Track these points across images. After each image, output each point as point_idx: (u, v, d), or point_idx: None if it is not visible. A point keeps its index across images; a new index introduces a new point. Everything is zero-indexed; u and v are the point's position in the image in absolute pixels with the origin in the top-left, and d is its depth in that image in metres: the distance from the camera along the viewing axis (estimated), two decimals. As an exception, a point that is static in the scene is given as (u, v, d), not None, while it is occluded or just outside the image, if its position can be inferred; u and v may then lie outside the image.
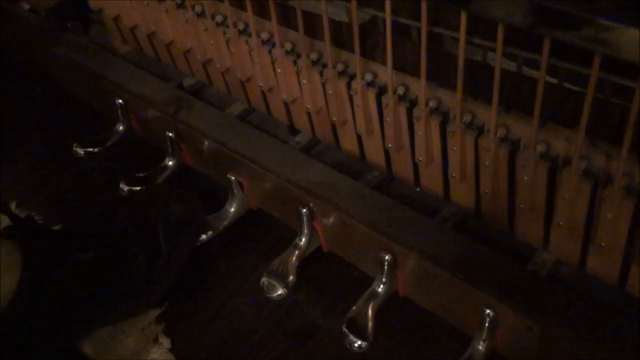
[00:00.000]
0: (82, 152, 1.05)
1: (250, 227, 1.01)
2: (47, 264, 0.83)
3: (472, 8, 0.64)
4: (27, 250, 0.82)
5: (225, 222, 0.98)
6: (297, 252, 0.88)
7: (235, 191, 0.97)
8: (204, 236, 0.95)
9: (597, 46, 0.57)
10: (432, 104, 0.77)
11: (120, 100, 1.05)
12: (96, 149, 1.04)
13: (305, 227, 0.88)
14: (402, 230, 0.81)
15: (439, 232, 0.81)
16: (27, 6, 1.28)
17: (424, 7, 0.70)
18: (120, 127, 1.06)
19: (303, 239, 0.88)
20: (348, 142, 0.93)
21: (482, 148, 0.74)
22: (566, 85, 0.69)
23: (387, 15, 0.73)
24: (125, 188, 1.00)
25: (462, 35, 0.68)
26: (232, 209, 0.98)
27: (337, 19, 0.82)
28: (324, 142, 0.98)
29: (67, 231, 0.98)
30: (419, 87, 0.77)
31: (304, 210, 0.87)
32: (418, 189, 0.89)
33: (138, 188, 1.00)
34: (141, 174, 1.01)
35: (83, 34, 1.30)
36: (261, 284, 0.86)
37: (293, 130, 1.02)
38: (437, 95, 0.77)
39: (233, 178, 0.95)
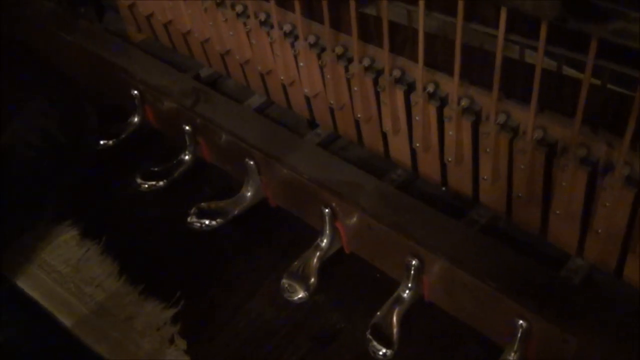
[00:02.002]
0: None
1: (268, 224, 0.98)
2: None
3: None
4: None
5: (241, 208, 0.94)
6: (318, 253, 0.85)
7: (252, 176, 0.93)
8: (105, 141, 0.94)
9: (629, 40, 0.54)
10: (464, 102, 0.74)
11: (135, 92, 1.02)
12: (111, 142, 1.01)
13: (327, 227, 0.85)
14: (429, 233, 0.77)
15: (467, 236, 0.78)
16: (39, -9, 1.24)
17: (460, 2, 0.66)
18: (136, 119, 1.03)
19: (325, 240, 0.85)
20: (372, 139, 0.90)
21: (517, 150, 0.71)
22: (610, 86, 0.65)
23: (420, 10, 0.70)
24: (140, 182, 0.98)
25: (500, 32, 0.65)
26: (249, 194, 0.94)
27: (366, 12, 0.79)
28: (345, 138, 0.95)
29: None
30: (451, 84, 0.74)
31: (327, 210, 0.84)
32: (443, 189, 0.86)
33: (153, 183, 0.97)
34: (157, 169, 0.98)
35: (96, 21, 1.27)
36: (281, 285, 0.83)
37: (312, 124, 0.99)
38: (469, 93, 0.74)
39: (251, 162, 0.92)
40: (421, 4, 0.69)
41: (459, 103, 0.74)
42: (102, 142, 1.01)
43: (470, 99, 0.74)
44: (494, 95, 0.70)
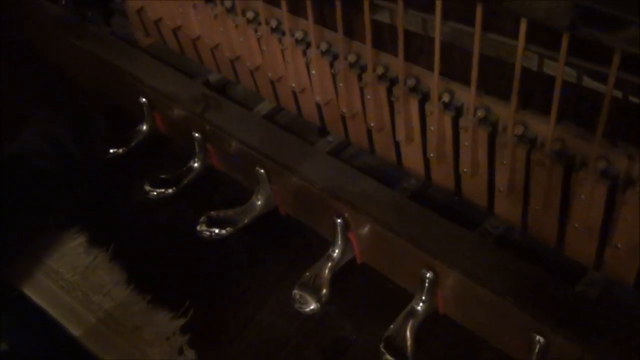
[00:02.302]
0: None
1: (278, 232, 0.97)
2: None
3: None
4: None
5: (251, 216, 0.93)
6: (330, 264, 0.84)
7: (263, 184, 0.92)
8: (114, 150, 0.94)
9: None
10: (480, 113, 0.73)
11: (144, 99, 1.01)
12: (120, 150, 0.99)
13: (340, 238, 0.84)
14: (444, 245, 0.76)
15: (482, 248, 0.76)
16: (45, -5, 1.23)
17: (479, 11, 0.65)
18: (144, 127, 1.01)
19: (337, 251, 0.84)
20: (384, 148, 0.88)
21: (534, 162, 0.70)
22: (631, 98, 0.64)
23: (437, 19, 0.68)
24: (149, 189, 0.96)
25: (520, 42, 0.63)
26: (259, 203, 0.93)
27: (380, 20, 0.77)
28: (356, 146, 0.94)
29: None
30: (467, 94, 0.73)
31: (339, 220, 0.82)
32: (456, 198, 0.85)
33: (162, 190, 0.96)
34: (165, 176, 0.97)
35: (104, 25, 1.26)
36: (293, 296, 0.82)
37: (323, 132, 0.98)
38: (486, 104, 0.73)
39: (262, 171, 0.91)
40: (438, 12, 0.68)
41: (475, 113, 0.73)
42: (112, 151, 1.00)
43: (486, 109, 0.73)
44: (512, 106, 0.68)
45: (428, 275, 0.75)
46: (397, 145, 0.86)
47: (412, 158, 0.85)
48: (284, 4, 0.83)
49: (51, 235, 0.96)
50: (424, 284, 0.76)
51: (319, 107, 0.93)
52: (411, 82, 0.77)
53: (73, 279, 0.96)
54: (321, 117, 0.95)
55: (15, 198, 0.87)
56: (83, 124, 0.95)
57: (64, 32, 1.15)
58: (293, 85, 0.91)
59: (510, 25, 0.66)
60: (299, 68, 0.88)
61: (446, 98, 0.75)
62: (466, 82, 0.72)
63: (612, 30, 0.55)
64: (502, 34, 0.68)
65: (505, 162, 0.72)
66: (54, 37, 1.16)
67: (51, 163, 0.89)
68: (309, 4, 0.80)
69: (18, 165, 0.89)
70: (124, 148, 1.00)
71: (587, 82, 0.64)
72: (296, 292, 0.82)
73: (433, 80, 0.74)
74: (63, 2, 1.20)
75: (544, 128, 0.68)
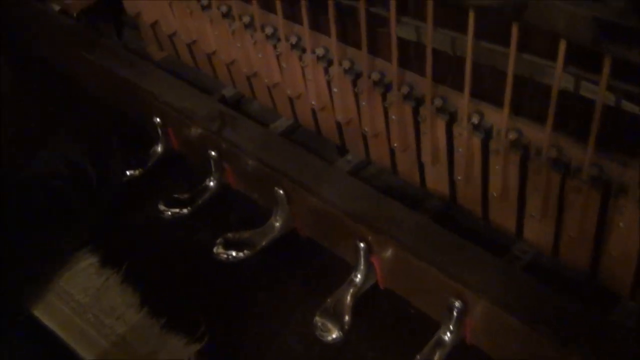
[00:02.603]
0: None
1: (296, 253, 0.94)
2: None
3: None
4: None
5: (269, 238, 0.90)
6: (352, 289, 0.81)
7: (282, 205, 0.89)
8: (131, 172, 0.94)
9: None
10: (511, 135, 0.70)
11: (158, 119, 0.98)
12: (137, 172, 0.97)
13: (362, 262, 0.81)
14: (472, 273, 0.73)
15: (512, 276, 0.73)
16: (57, 7, 1.21)
17: (514, 31, 0.62)
18: (160, 146, 0.99)
19: (359, 276, 0.81)
20: (407, 168, 0.86)
21: (570, 188, 0.67)
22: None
23: (469, 37, 0.66)
24: (163, 209, 0.94)
25: (559, 64, 0.61)
26: (277, 224, 0.90)
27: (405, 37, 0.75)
28: (376, 165, 0.91)
29: None
30: (497, 115, 0.70)
31: (362, 244, 0.79)
32: (482, 223, 0.82)
33: (177, 210, 0.93)
34: (180, 196, 0.95)
35: (116, 37, 1.23)
36: (314, 323, 0.79)
37: (342, 150, 0.95)
38: (517, 126, 0.70)
39: (281, 192, 0.88)
40: (470, 30, 0.65)
41: (506, 135, 0.70)
42: (128, 173, 0.97)
43: (518, 131, 0.70)
44: (547, 129, 0.66)
45: (456, 304, 0.72)
46: (421, 165, 0.83)
47: (437, 180, 0.82)
48: (305, 20, 0.80)
49: (63, 255, 0.94)
50: (452, 313, 0.73)
51: (339, 125, 0.90)
52: (438, 102, 0.75)
53: (84, 301, 0.93)
54: (341, 136, 0.92)
55: (31, 218, 0.85)
56: (101, 145, 0.93)
57: (77, 46, 1.12)
58: (313, 103, 0.88)
59: (546, 44, 0.64)
60: (319, 86, 0.86)
61: (475, 119, 0.72)
62: (497, 103, 0.69)
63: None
64: (535, 53, 0.65)
65: (538, 187, 0.69)
66: (66, 50, 1.14)
67: (68, 184, 0.87)
68: (331, 20, 0.77)
69: (34, 185, 0.87)
70: (141, 169, 0.98)
71: (629, 106, 0.61)
72: (318, 320, 0.79)
73: (462, 101, 0.71)
74: (75, 15, 1.18)
75: (579, 152, 0.65)
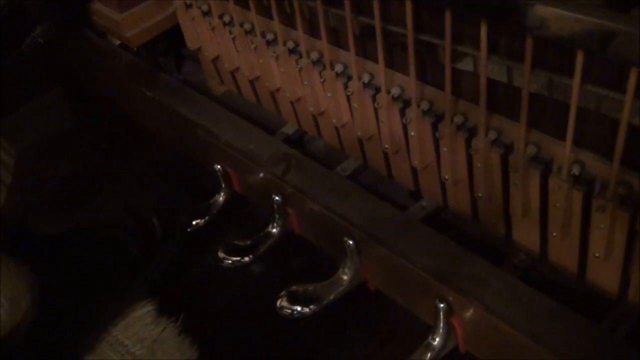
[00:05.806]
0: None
1: (365, 307, 0.86)
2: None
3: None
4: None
5: (337, 293, 0.83)
6: (429, 353, 0.73)
7: (352, 257, 0.82)
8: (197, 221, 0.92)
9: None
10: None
11: (219, 166, 0.93)
12: (201, 222, 0.93)
13: (442, 324, 0.73)
14: (572, 347, 0.64)
15: (610, 342, 0.65)
16: (117, 42, 1.18)
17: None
18: (223, 194, 0.94)
19: (438, 339, 0.73)
20: (490, 219, 0.78)
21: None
22: None
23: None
24: (223, 257, 0.88)
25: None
26: (346, 277, 0.83)
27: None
28: (453, 212, 0.84)
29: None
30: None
31: (442, 305, 0.72)
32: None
33: (237, 259, 0.88)
34: (241, 243, 0.89)
35: (175, 71, 1.20)
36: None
37: (416, 195, 0.88)
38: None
39: (351, 242, 0.81)
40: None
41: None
42: (194, 223, 0.93)
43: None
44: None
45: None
46: (507, 218, 0.75)
47: (526, 232, 0.74)
48: (380, 58, 0.74)
49: (120, 306, 0.89)
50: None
51: (413, 169, 0.83)
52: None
53: (140, 353, 0.88)
54: (415, 180, 0.85)
55: (91, 267, 0.82)
56: (168, 199, 0.90)
57: (136, 81, 1.09)
58: (386, 146, 0.81)
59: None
60: (394, 128, 0.79)
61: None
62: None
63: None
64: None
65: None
66: (126, 86, 1.10)
67: (132, 236, 0.84)
68: (410, 58, 0.71)
69: (98, 234, 0.84)
70: (206, 218, 0.93)
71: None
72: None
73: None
74: (135, 49, 1.14)
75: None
